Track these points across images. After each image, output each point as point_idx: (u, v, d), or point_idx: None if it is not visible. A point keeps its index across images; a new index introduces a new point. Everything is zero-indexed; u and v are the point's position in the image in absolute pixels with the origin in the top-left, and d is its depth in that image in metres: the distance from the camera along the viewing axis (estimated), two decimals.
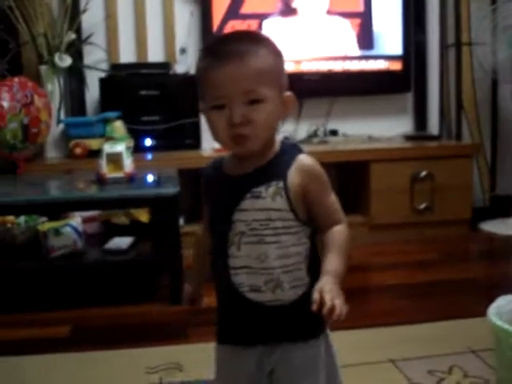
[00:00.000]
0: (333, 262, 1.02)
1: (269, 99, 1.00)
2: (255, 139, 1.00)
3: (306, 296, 1.00)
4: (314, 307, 0.94)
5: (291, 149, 1.06)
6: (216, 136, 1.02)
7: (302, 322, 1.05)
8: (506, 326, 1.40)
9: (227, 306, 1.08)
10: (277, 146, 1.06)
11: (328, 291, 0.96)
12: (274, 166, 1.03)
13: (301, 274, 1.05)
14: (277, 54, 1.04)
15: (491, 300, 1.53)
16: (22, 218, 2.52)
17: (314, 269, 1.05)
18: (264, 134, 1.01)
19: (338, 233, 1.05)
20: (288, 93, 1.06)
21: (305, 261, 1.05)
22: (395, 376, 1.69)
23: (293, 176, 1.02)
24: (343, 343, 1.89)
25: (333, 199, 1.07)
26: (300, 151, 1.06)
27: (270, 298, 1.03)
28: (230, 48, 0.99)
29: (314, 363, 1.07)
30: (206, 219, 1.10)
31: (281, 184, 1.01)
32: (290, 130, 3.39)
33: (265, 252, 1.01)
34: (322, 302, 0.95)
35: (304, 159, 1.04)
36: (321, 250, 1.07)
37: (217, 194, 1.07)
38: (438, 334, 1.97)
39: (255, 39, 1.03)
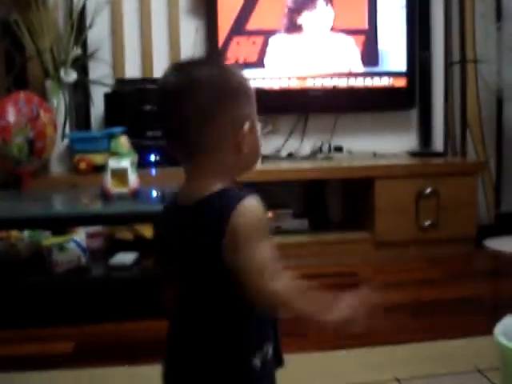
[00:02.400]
0: None
1: None
2: None
3: None
4: None
5: None
6: (258, 152, 1.01)
7: None
8: None
9: None
10: None
11: None
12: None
13: None
14: None
15: (497, 318, 1.52)
16: (26, 233, 2.52)
17: None
18: None
19: None
20: None
21: None
22: None
23: None
24: (349, 362, 1.89)
25: None
26: None
27: None
28: None
29: None
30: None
31: None
32: (295, 146, 3.39)
33: None
34: None
35: None
36: None
37: None
38: (444, 353, 1.95)
39: None
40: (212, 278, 0.91)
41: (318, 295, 0.91)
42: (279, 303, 0.89)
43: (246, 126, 0.97)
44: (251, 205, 0.90)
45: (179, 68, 0.99)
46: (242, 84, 1.00)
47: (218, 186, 0.93)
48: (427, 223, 3.11)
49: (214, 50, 3.15)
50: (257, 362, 0.93)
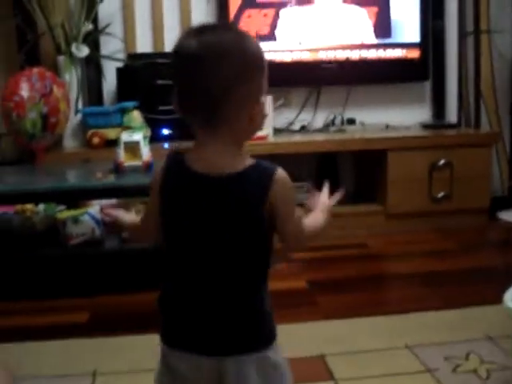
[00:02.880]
0: None
1: None
2: None
3: None
4: None
5: None
6: (262, 124, 1.03)
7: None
8: None
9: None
10: None
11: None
12: None
13: None
14: None
15: (508, 288, 1.52)
16: (41, 207, 2.55)
17: None
18: None
19: None
20: None
21: None
22: (412, 362, 1.69)
23: None
24: (360, 330, 1.91)
25: None
26: None
27: None
28: None
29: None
30: None
31: None
32: (308, 118, 3.39)
33: None
34: None
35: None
36: None
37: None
38: (455, 321, 1.97)
39: None
40: (250, 238, 0.98)
41: (314, 217, 1.13)
42: (308, 242, 1.08)
43: (263, 97, 0.99)
44: (284, 175, 0.99)
45: (200, 33, 0.97)
46: (261, 53, 1.00)
47: (247, 159, 0.99)
48: (440, 195, 3.10)
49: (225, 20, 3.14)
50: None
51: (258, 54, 0.99)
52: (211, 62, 0.94)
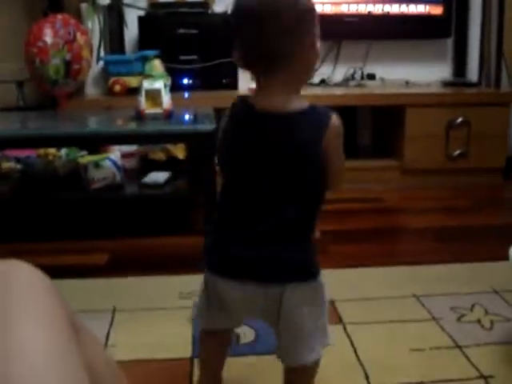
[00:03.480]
0: None
1: None
2: None
3: None
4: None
5: None
6: (314, 71, 1.15)
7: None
8: None
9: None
10: None
11: None
12: None
13: None
14: None
15: None
16: (63, 152, 2.61)
17: None
18: None
19: None
20: None
21: None
22: (418, 310, 1.75)
23: None
24: (372, 278, 1.97)
25: None
26: None
27: None
28: None
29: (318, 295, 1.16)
30: None
31: None
32: (328, 72, 3.39)
33: None
34: None
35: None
36: None
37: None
38: (463, 275, 2.02)
39: None
40: (309, 167, 1.09)
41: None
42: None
43: (318, 45, 1.10)
44: (338, 120, 1.11)
45: None
46: (312, 6, 1.10)
47: (304, 102, 1.10)
48: (456, 153, 3.12)
49: None
50: None
51: (309, 7, 1.09)
52: (268, 17, 1.04)
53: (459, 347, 1.55)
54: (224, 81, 3.12)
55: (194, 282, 1.91)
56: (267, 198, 1.10)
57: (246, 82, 3.07)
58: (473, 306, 1.78)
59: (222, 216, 1.16)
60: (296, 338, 1.14)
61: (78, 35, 2.86)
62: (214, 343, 1.24)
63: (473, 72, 3.50)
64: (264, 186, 1.10)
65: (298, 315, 1.12)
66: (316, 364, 1.19)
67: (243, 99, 1.14)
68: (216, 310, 1.18)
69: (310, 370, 1.20)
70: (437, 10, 3.33)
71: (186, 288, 1.89)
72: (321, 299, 1.16)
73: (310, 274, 1.14)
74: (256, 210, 1.11)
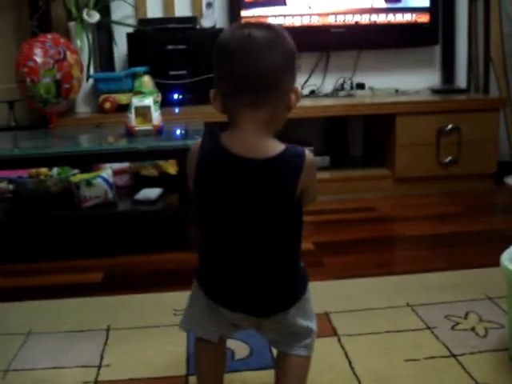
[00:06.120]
0: None
1: None
2: None
3: None
4: None
5: None
6: (293, 109, 1.14)
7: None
8: None
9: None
10: None
11: None
12: None
13: None
14: None
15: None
16: (54, 170, 2.61)
17: None
18: None
19: None
20: None
21: None
22: (413, 319, 1.75)
23: None
24: (366, 289, 1.98)
25: None
26: None
27: None
28: None
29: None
30: None
31: None
32: (317, 83, 3.41)
33: None
34: None
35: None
36: None
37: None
38: (457, 282, 2.02)
39: None
40: (286, 207, 1.11)
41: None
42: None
43: (300, 88, 1.09)
44: (312, 158, 1.12)
45: (247, 27, 1.09)
46: (295, 49, 1.12)
47: (281, 144, 1.10)
48: (448, 159, 3.14)
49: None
50: None
51: (295, 50, 1.12)
52: (264, 49, 1.06)
53: (454, 356, 1.55)
54: None
55: (186, 299, 1.93)
56: (245, 240, 1.12)
57: None
58: (467, 313, 1.78)
59: (203, 252, 1.19)
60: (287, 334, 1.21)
61: (68, 54, 2.88)
62: (208, 354, 1.25)
63: (461, 78, 3.53)
64: (244, 228, 1.11)
65: (289, 321, 1.19)
66: (309, 358, 1.24)
67: (214, 138, 1.11)
68: (206, 317, 1.21)
69: (306, 361, 1.24)
70: (423, 18, 3.36)
71: (180, 304, 1.87)
72: (309, 304, 1.23)
73: (298, 298, 1.19)
74: (238, 251, 1.13)
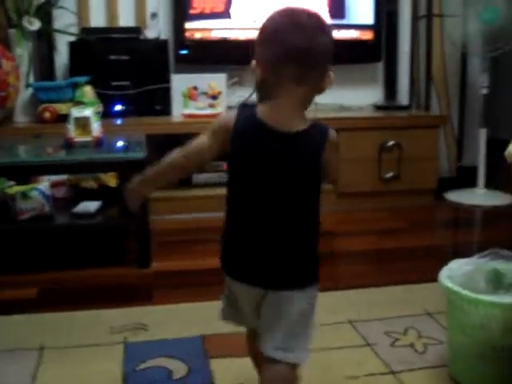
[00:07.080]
0: None
1: None
2: None
3: None
4: None
5: None
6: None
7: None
8: (456, 288, 1.45)
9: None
10: None
11: None
12: None
13: None
14: None
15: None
16: None
17: None
18: None
19: None
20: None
21: None
22: (353, 336, 1.75)
23: None
24: None
25: None
26: None
27: None
28: None
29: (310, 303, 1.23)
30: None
31: None
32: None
33: None
34: None
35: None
36: None
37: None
38: (397, 298, 2.04)
39: None
40: (312, 174, 1.16)
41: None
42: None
43: (332, 72, 1.17)
44: (333, 133, 1.19)
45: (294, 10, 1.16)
46: None
47: (308, 120, 1.17)
48: (389, 175, 3.17)
49: None
50: None
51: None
52: (318, 30, 1.14)
53: (393, 373, 1.55)
54: (157, 107, 3.09)
55: (125, 317, 1.88)
56: (271, 211, 1.15)
57: (179, 109, 3.06)
58: (406, 329, 1.79)
59: (230, 224, 1.21)
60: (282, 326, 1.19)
61: (4, 61, 2.79)
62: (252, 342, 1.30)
63: (403, 95, 3.59)
64: (269, 198, 1.15)
65: (289, 309, 1.18)
66: (295, 366, 1.21)
67: (249, 110, 1.17)
68: (232, 308, 1.26)
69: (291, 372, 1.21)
70: (367, 36, 3.40)
71: (117, 322, 1.84)
72: (312, 306, 1.24)
73: (304, 282, 1.20)
74: (263, 221, 1.16)
